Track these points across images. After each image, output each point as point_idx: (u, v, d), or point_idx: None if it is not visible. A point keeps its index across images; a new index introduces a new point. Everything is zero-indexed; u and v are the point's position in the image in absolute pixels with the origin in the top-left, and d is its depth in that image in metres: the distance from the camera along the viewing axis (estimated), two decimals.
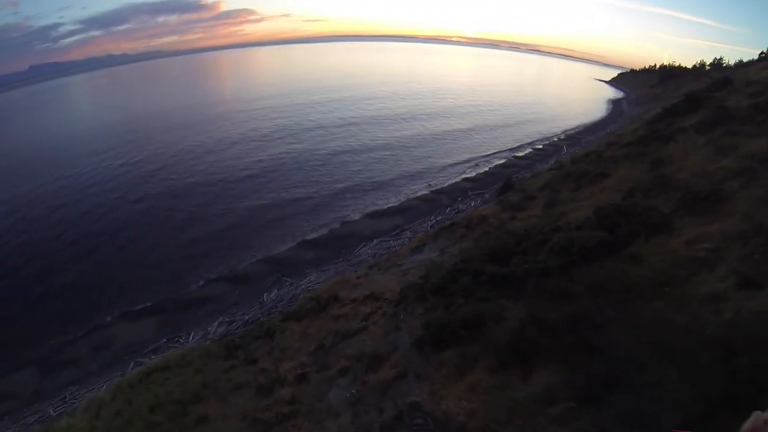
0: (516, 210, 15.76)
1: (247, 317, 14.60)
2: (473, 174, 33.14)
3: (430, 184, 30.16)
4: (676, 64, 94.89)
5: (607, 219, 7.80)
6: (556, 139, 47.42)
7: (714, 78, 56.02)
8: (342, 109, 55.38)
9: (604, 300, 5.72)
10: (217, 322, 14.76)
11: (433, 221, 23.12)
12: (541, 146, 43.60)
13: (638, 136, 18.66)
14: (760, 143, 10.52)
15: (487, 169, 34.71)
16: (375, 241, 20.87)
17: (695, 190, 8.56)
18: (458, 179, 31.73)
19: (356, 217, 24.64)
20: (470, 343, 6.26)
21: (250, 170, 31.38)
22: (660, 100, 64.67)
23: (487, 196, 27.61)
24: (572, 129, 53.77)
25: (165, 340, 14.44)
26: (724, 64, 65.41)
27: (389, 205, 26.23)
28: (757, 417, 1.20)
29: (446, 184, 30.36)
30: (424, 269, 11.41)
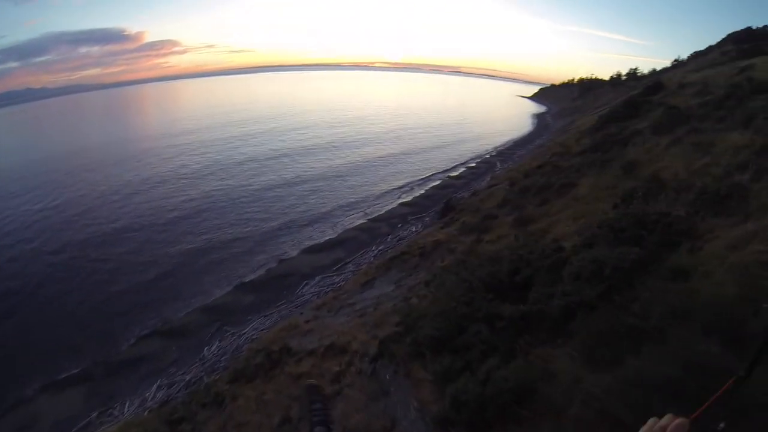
0: (479, 232, 14.86)
1: (188, 377, 13.40)
2: (409, 198, 33.08)
3: (366, 213, 29.76)
4: (594, 77, 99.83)
5: (624, 232, 7.01)
6: (487, 156, 48.57)
7: (634, 86, 59.42)
8: (272, 140, 54.45)
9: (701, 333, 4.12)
10: (155, 386, 13.42)
11: (376, 251, 22.66)
12: (474, 164, 44.42)
13: (591, 143, 18.72)
14: (738, 137, 10.41)
15: (422, 192, 34.79)
16: (317, 278, 20.06)
17: (712, 189, 7.77)
18: (395, 205, 31.55)
19: (294, 253, 23.71)
20: (534, 420, 4.54)
21: (179, 211, 29.73)
22: (582, 111, 68.32)
23: (427, 219, 27.51)
24: (502, 145, 55.39)
25: (96, 413, 12.94)
26: (639, 74, 69.39)
27: (327, 238, 25.52)
28: (651, 424, 1.17)
29: (383, 211, 30.07)
30: (392, 311, 10.27)
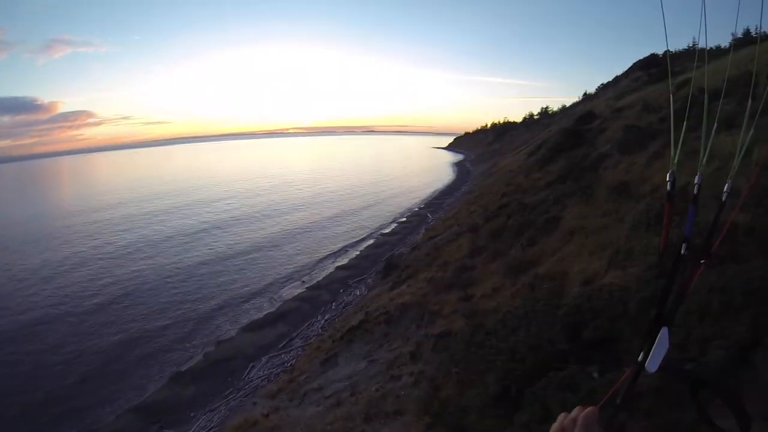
0: (460, 287, 12.90)
1: None
2: (346, 261, 32.13)
3: (304, 281, 28.44)
4: (507, 121, 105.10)
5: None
6: (416, 209, 49.10)
7: (547, 123, 61.91)
8: (199, 212, 51.93)
9: None
10: None
11: (322, 321, 21.37)
12: (404, 219, 44.54)
13: (555, 175, 17.92)
14: (731, 138, 9.73)
15: (358, 253, 33.98)
16: (263, 359, 18.41)
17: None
18: (332, 269, 30.48)
19: (233, 333, 21.84)
20: None
21: (102, 295, 26.67)
22: (501, 154, 71.60)
23: (369, 281, 26.60)
24: (428, 197, 56.46)
25: None
26: (550, 112, 73.45)
27: (266, 312, 23.90)
28: (563, 417, 1.18)
29: (321, 277, 28.87)
30: (381, 397, 8.86)
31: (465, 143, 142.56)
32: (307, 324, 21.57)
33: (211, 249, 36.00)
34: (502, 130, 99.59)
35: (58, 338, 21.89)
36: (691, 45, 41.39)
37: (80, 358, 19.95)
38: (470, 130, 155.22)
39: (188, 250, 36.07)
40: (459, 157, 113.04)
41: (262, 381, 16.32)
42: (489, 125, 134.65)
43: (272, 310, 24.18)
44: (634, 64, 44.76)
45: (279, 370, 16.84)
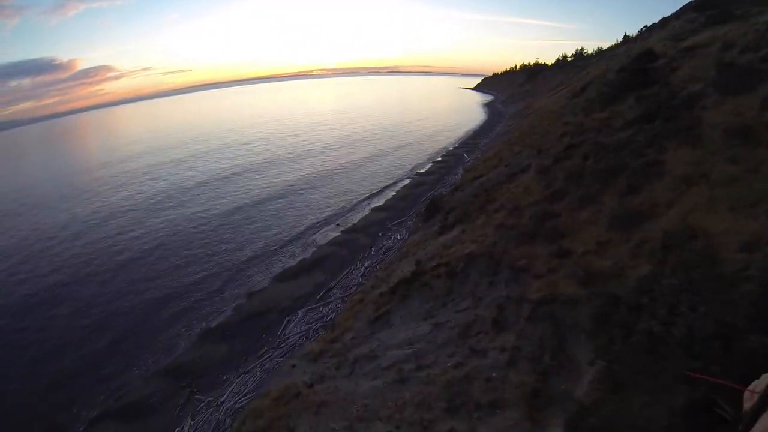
0: (545, 239, 10.35)
1: None
2: (382, 202, 30.03)
3: (339, 224, 26.56)
4: (538, 62, 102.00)
5: None
6: (451, 149, 46.63)
7: (583, 65, 58.77)
8: (224, 158, 50.09)
9: None
10: None
11: (362, 269, 19.45)
12: (439, 158, 42.21)
13: (633, 114, 15.13)
14: None
15: (394, 193, 31.81)
16: (300, 312, 16.65)
17: None
18: (367, 211, 28.48)
19: (265, 283, 20.22)
20: None
21: (130, 251, 25.32)
22: (534, 95, 68.44)
23: (410, 224, 24.52)
24: (462, 136, 53.72)
25: None
26: (585, 54, 69.99)
27: (300, 259, 22.21)
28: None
29: (357, 220, 26.91)
30: (464, 378, 6.92)
31: (494, 84, 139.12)
32: (345, 272, 19.68)
33: (242, 194, 34.34)
34: (533, 72, 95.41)
35: (87, 299, 20.51)
36: None
37: (109, 320, 18.53)
38: (498, 71, 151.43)
39: (219, 196, 34.41)
40: (488, 97, 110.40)
41: (300, 338, 14.58)
42: (518, 67, 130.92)
43: (307, 256, 22.40)
44: (686, 5, 40.55)
45: (318, 325, 15.07)
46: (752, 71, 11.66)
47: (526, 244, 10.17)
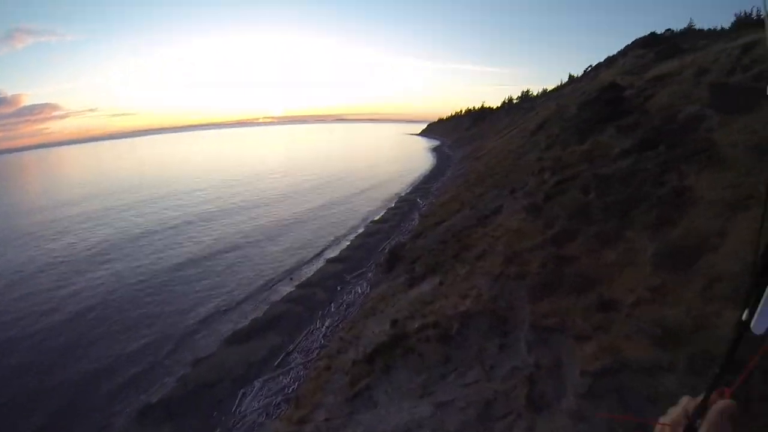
0: (577, 289, 8.64)
1: None
2: (337, 253, 28.48)
3: (292, 278, 24.80)
4: (484, 106, 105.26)
5: None
6: (403, 195, 46.17)
7: (529, 107, 60.52)
8: (172, 206, 46.59)
9: None
10: None
11: (323, 329, 17.72)
12: (393, 205, 41.29)
13: (627, 143, 14.46)
14: None
15: (349, 243, 30.39)
16: (257, 383, 14.64)
17: None
18: (322, 263, 26.87)
19: (214, 347, 18.03)
20: None
21: (62, 312, 21.81)
22: (483, 138, 70.11)
23: (370, 275, 23.09)
24: (413, 182, 53.75)
25: None
26: (531, 96, 72.40)
27: (253, 318, 20.23)
28: (686, 401, 1.10)
29: (311, 274, 25.22)
30: None
31: (439, 129, 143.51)
32: (304, 333, 17.90)
33: (193, 244, 31.83)
34: (479, 116, 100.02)
35: (6, 372, 17.55)
36: (687, 26, 39.91)
37: (33, 400, 15.66)
38: (442, 116, 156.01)
39: (168, 246, 31.65)
40: (435, 142, 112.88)
41: (259, 416, 12.63)
42: (463, 111, 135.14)
43: (259, 315, 20.45)
44: (633, 42, 42.74)
45: (280, 398, 13.17)
46: (748, 90, 11.24)
47: (546, 297, 8.71)
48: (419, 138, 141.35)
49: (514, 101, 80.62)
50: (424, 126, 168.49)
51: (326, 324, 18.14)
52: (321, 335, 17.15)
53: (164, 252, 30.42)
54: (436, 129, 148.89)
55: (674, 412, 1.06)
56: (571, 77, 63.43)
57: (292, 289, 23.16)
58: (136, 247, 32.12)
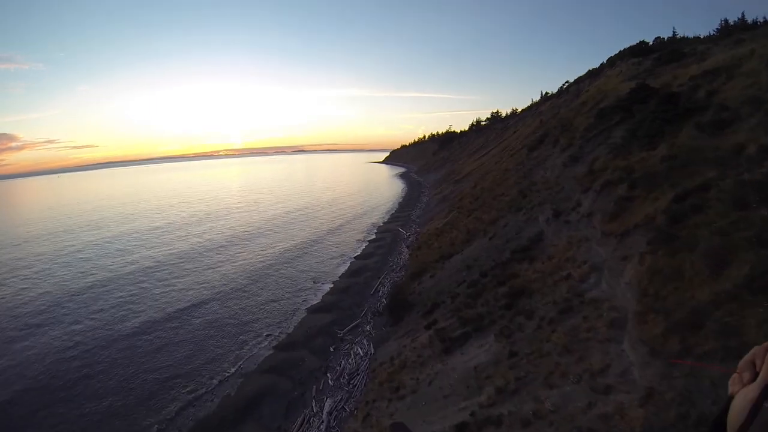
0: None
1: None
2: (319, 299, 23.60)
3: (272, 336, 19.70)
4: (450, 130, 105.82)
5: None
6: (381, 224, 42.07)
7: (501, 127, 58.29)
8: (127, 249, 39.15)
9: None
10: None
11: (324, 417, 12.71)
12: (374, 237, 36.95)
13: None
14: None
15: (332, 285, 25.47)
16: None
17: None
18: (302, 314, 21.81)
19: None
20: None
21: None
22: (455, 161, 67.71)
23: (368, 328, 18.22)
24: (389, 210, 49.66)
25: None
26: (502, 116, 71.93)
27: (224, 397, 15.19)
28: (757, 349, 1.05)
29: (292, 329, 20.25)
30: None
31: (402, 156, 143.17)
32: (299, 423, 12.85)
33: (149, 301, 25.43)
34: (448, 139, 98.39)
35: None
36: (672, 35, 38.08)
37: None
38: (401, 144, 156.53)
39: (119, 305, 25.13)
40: (400, 169, 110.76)
41: None
42: (426, 137, 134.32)
43: (232, 393, 15.41)
44: (620, 52, 40.95)
45: None
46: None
47: None
48: (383, 166, 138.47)
49: (483, 123, 78.70)
50: (385, 154, 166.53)
51: (326, 408, 13.17)
52: (323, 427, 12.14)
53: (114, 309, 24.41)
54: (399, 156, 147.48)
55: (747, 359, 1.03)
56: (546, 94, 61.44)
57: (272, 352, 18.15)
58: (80, 305, 25.51)
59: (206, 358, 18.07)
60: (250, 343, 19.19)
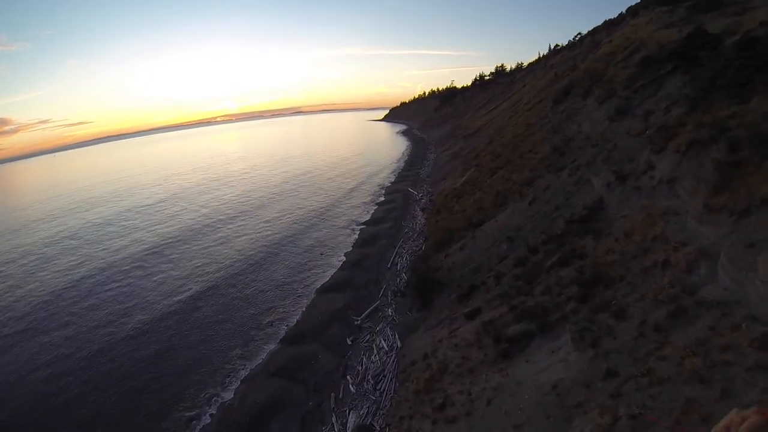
0: None
1: None
2: (328, 276, 20.77)
3: (272, 325, 17.04)
4: (449, 87, 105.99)
5: None
6: (389, 185, 39.38)
7: (506, 81, 55.66)
8: (124, 231, 35.46)
9: None
10: None
11: None
12: (383, 199, 34.07)
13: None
14: None
15: (343, 258, 22.65)
16: None
17: None
18: (311, 295, 19.12)
19: None
20: None
21: None
22: (460, 116, 65.98)
23: (390, 312, 15.47)
24: (396, 170, 46.81)
25: None
26: (506, 70, 70.38)
27: (235, 406, 12.74)
28: (734, 414, 1.09)
29: (300, 316, 17.56)
30: None
31: (402, 114, 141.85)
32: None
33: (143, 305, 21.35)
34: (450, 95, 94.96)
35: None
36: None
37: None
38: (401, 102, 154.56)
39: (106, 301, 22.14)
40: (401, 127, 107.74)
41: None
42: (427, 93, 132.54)
43: (234, 404, 12.76)
44: (642, 1, 37.32)
45: None
46: None
47: None
48: (383, 124, 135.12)
49: (486, 77, 75.87)
50: (385, 112, 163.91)
51: (350, 425, 10.52)
52: None
53: (107, 307, 21.48)
54: (398, 113, 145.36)
55: (721, 425, 1.03)
56: (556, 47, 57.84)
57: (278, 346, 15.50)
58: (71, 301, 22.67)
59: (205, 361, 15.37)
60: (256, 337, 16.47)
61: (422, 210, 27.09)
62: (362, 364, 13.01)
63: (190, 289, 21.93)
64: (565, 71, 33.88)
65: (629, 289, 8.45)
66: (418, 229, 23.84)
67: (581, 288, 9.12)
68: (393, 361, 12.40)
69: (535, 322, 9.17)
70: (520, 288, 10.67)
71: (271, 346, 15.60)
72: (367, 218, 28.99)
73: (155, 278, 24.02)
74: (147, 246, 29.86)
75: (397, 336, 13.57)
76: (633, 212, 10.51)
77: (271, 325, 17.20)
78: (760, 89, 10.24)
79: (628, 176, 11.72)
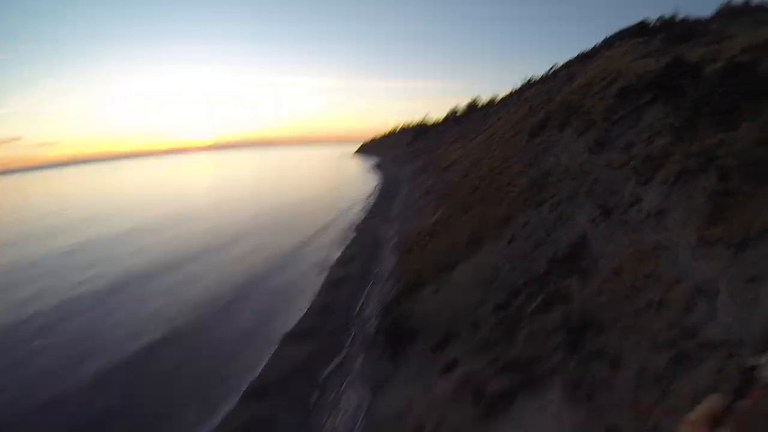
0: None
1: None
2: (292, 324, 19.22)
3: (234, 381, 15.45)
4: (421, 122, 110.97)
5: None
6: (359, 222, 38.53)
7: (481, 115, 56.61)
8: (79, 265, 32.12)
9: None
10: None
11: None
12: (354, 236, 33.30)
13: None
14: None
15: (308, 305, 21.14)
16: None
17: None
18: (274, 345, 17.60)
19: None
20: None
21: None
22: (433, 151, 66.74)
23: (359, 362, 14.16)
24: (367, 207, 45.89)
25: None
26: (479, 105, 72.23)
27: None
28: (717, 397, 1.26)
29: (262, 367, 15.99)
30: None
31: (375, 148, 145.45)
32: None
33: (103, 349, 18.61)
34: (422, 130, 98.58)
35: None
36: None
37: None
38: (373, 136, 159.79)
39: (62, 347, 18.88)
40: (373, 161, 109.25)
41: None
42: (398, 129, 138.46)
43: None
44: (618, 33, 38.18)
45: None
46: None
47: None
48: (355, 158, 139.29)
49: (458, 114, 77.56)
50: (358, 145, 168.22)
51: None
52: None
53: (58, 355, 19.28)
54: (371, 148, 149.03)
55: (701, 410, 1.16)
56: (529, 80, 58.32)
57: (235, 404, 13.95)
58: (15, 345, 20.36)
59: (162, 419, 13.70)
60: (214, 394, 14.77)
61: (394, 248, 26.06)
62: (327, 423, 11.62)
63: (151, 333, 20.02)
64: (539, 104, 34.03)
65: (621, 333, 7.49)
66: (388, 270, 22.68)
67: (569, 334, 8.11)
68: (361, 418, 11.08)
69: (519, 375, 8.08)
70: (500, 336, 9.59)
71: (228, 407, 14.01)
72: (337, 257, 27.81)
73: (113, 319, 22.14)
74: (107, 281, 27.73)
75: (365, 387, 12.27)
76: (620, 248, 9.68)
77: (227, 380, 15.58)
78: (747, 116, 9.74)
79: (613, 209, 11.01)
